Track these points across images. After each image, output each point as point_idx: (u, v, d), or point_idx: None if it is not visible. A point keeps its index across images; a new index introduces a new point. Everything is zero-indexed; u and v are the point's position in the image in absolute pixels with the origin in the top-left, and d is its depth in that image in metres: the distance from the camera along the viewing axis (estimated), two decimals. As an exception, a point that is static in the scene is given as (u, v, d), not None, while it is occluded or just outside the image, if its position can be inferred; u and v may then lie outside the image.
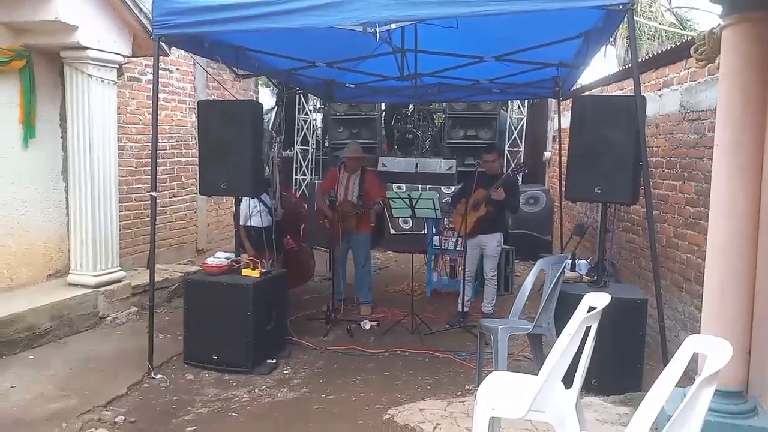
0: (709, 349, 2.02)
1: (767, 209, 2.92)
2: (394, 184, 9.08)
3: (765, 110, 2.89)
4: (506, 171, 6.36)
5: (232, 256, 4.90)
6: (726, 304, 2.91)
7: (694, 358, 2.29)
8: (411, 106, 10.76)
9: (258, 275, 4.67)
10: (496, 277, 6.03)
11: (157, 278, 5.51)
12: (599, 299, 2.71)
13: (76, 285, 5.50)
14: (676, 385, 2.13)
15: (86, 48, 5.25)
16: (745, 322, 2.94)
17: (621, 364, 4.04)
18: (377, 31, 3.90)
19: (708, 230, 3.08)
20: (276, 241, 5.66)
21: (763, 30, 2.84)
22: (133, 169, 6.81)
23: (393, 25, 4.05)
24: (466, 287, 5.87)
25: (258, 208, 5.75)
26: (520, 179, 6.28)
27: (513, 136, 10.37)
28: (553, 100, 8.10)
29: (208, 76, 7.97)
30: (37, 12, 4.91)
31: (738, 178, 2.87)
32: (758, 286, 2.96)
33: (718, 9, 2.96)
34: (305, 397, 4.17)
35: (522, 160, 9.52)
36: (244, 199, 5.83)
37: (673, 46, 5.30)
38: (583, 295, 2.86)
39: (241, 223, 5.92)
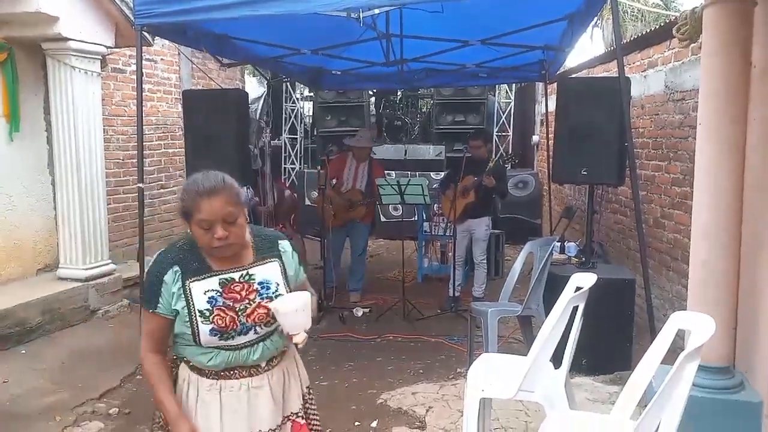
0: (693, 324, 2.04)
1: (751, 188, 2.94)
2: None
3: (747, 88, 2.90)
4: (494, 157, 6.38)
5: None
6: (711, 282, 2.93)
7: (684, 338, 2.31)
8: (399, 93, 10.72)
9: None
10: (486, 261, 6.05)
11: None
12: (586, 279, 2.74)
13: (66, 279, 5.48)
14: (664, 363, 2.16)
15: (68, 39, 5.18)
16: (731, 299, 2.96)
17: (610, 344, 4.09)
18: (361, 16, 3.88)
19: (692, 209, 3.10)
20: None
21: (744, 8, 2.84)
22: (121, 161, 6.76)
23: (377, 10, 4.04)
24: (457, 272, 5.90)
25: None
26: (508, 166, 6.30)
27: (501, 121, 10.37)
28: (541, 84, 8.10)
29: (193, 65, 7.90)
30: (17, 3, 4.84)
31: (721, 156, 2.89)
32: (743, 263, 2.99)
33: (700, -12, 2.98)
34: (298, 385, 4.19)
35: (511, 151, 9.54)
36: None
37: (658, 26, 5.31)
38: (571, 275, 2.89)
39: None
